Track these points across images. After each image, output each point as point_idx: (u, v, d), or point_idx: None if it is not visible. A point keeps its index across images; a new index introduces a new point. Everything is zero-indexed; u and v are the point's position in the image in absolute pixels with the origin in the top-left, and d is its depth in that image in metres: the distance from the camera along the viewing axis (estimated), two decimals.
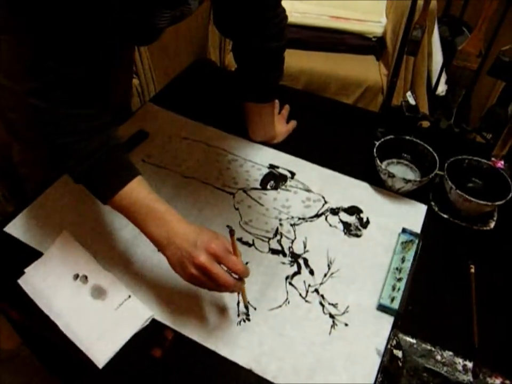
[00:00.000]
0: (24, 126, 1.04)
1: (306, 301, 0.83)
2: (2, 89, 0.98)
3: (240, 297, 0.81)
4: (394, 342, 0.76)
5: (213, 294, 0.82)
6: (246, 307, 0.80)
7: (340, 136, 1.18)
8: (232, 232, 0.70)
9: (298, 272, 0.87)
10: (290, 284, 0.85)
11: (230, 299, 0.82)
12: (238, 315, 0.80)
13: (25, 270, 0.84)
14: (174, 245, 0.70)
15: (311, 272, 0.87)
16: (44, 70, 0.71)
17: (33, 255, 0.87)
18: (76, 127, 0.73)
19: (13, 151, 1.09)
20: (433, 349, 0.75)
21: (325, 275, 0.87)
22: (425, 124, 1.15)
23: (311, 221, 0.96)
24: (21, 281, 0.83)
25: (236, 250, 0.71)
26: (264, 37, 0.97)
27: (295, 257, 0.89)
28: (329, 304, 0.82)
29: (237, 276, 0.71)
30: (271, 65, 1.02)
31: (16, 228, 0.92)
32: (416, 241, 0.90)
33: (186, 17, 0.87)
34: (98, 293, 0.82)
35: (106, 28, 0.70)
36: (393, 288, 0.83)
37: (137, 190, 0.74)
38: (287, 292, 0.84)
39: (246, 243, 0.91)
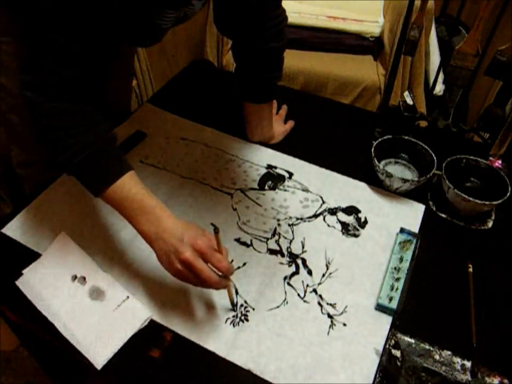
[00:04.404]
0: (24, 128, 1.04)
1: (304, 301, 0.83)
2: (2, 90, 0.98)
3: (239, 297, 0.82)
4: (393, 341, 0.76)
5: (211, 294, 0.82)
6: (232, 303, 0.80)
7: (338, 136, 1.18)
8: (216, 230, 0.70)
9: (296, 272, 0.87)
10: (288, 284, 0.85)
11: (228, 300, 0.82)
12: (236, 316, 0.80)
13: (23, 272, 0.84)
14: (161, 240, 0.71)
15: (309, 272, 0.87)
16: (39, 67, 0.71)
17: (31, 256, 0.87)
18: (69, 122, 0.74)
19: (12, 152, 1.09)
20: (431, 348, 0.75)
21: (323, 275, 0.87)
22: (423, 123, 1.15)
23: (309, 221, 0.96)
24: (19, 283, 0.82)
25: (221, 248, 0.72)
26: (264, 36, 0.96)
27: (293, 257, 0.89)
28: (327, 304, 0.82)
29: (221, 274, 0.72)
30: (270, 65, 1.02)
31: (14, 229, 0.92)
32: (414, 240, 0.91)
33: (190, 17, 0.87)
34: (97, 294, 0.82)
35: (107, 29, 0.70)
36: (392, 288, 0.83)
37: (129, 185, 0.75)
38: (285, 292, 0.84)
39: (244, 243, 0.91)
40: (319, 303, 0.82)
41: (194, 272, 0.69)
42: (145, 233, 0.74)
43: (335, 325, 0.79)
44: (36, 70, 0.72)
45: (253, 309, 0.81)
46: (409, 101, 1.09)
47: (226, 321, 0.79)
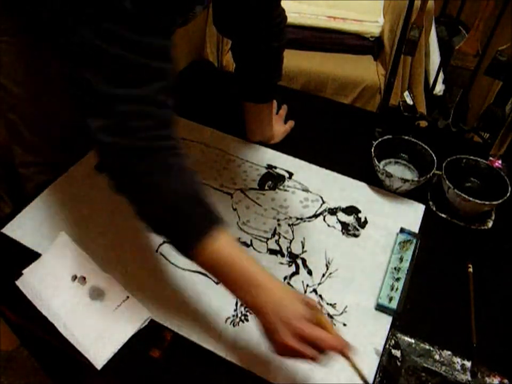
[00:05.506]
0: (24, 127, 1.04)
1: None
2: (3, 90, 0.98)
3: None
4: (393, 341, 0.76)
5: (211, 294, 0.82)
6: (365, 381, 0.68)
7: (338, 136, 1.18)
8: (315, 307, 0.65)
9: (296, 272, 0.87)
10: (288, 284, 0.85)
11: (228, 300, 0.81)
12: (236, 316, 0.80)
13: (23, 272, 0.84)
14: (262, 315, 0.64)
15: (309, 273, 0.87)
16: (110, 100, 0.61)
17: (31, 256, 0.87)
18: (153, 166, 0.64)
19: (14, 152, 1.09)
20: (431, 348, 0.75)
21: (323, 275, 0.87)
22: (423, 123, 1.15)
23: (309, 221, 0.96)
24: (19, 283, 0.82)
25: (328, 325, 0.65)
26: (265, 36, 0.96)
27: (293, 257, 0.89)
28: (327, 304, 0.82)
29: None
30: (271, 65, 1.02)
31: (14, 229, 0.91)
32: (414, 240, 0.91)
33: (191, 21, 0.87)
34: (97, 294, 0.82)
35: None
36: (392, 288, 0.83)
37: (223, 243, 0.65)
38: None
39: (244, 243, 0.91)
40: (319, 303, 0.82)
41: (313, 340, 0.62)
42: (244, 301, 0.67)
43: (335, 325, 0.79)
44: (107, 104, 0.61)
45: None
46: (409, 101, 1.09)
47: (226, 321, 0.79)
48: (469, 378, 0.73)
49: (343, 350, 0.63)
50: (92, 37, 0.57)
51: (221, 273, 0.66)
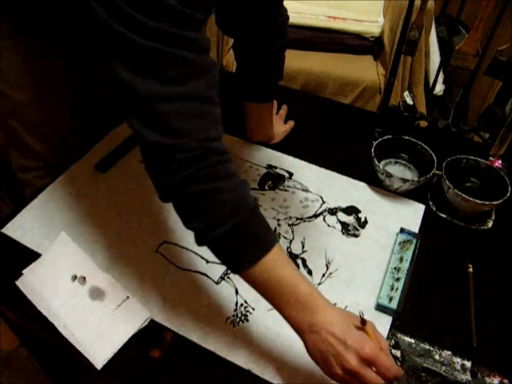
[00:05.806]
0: (23, 132, 1.04)
1: None
2: (2, 96, 0.98)
3: (239, 297, 0.82)
4: (393, 341, 0.76)
5: (211, 294, 0.82)
6: None
7: (338, 136, 1.18)
8: (363, 322, 0.62)
9: None
10: None
11: (228, 300, 0.82)
12: (236, 316, 0.80)
13: (23, 272, 0.84)
14: (317, 335, 0.62)
15: (310, 273, 0.87)
16: (154, 99, 0.57)
17: (31, 256, 0.86)
18: (213, 177, 0.61)
19: (11, 157, 1.09)
20: (431, 348, 0.75)
21: (323, 275, 0.87)
22: (423, 123, 1.15)
23: (309, 221, 0.96)
24: (19, 283, 0.82)
25: (374, 341, 0.62)
26: (267, 35, 0.96)
27: (293, 257, 0.89)
28: None
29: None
30: (271, 64, 1.02)
31: (14, 229, 0.91)
32: (414, 241, 0.91)
33: None
34: (97, 294, 0.82)
35: None
36: (392, 288, 0.83)
37: (276, 263, 0.64)
38: None
39: None
40: None
41: (360, 381, 0.60)
42: (295, 325, 0.64)
43: None
44: (147, 108, 0.58)
45: (253, 309, 0.81)
46: (409, 101, 1.09)
47: (226, 321, 0.79)
48: (469, 378, 0.73)
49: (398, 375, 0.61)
50: (134, 37, 0.53)
51: (271, 292, 0.64)
